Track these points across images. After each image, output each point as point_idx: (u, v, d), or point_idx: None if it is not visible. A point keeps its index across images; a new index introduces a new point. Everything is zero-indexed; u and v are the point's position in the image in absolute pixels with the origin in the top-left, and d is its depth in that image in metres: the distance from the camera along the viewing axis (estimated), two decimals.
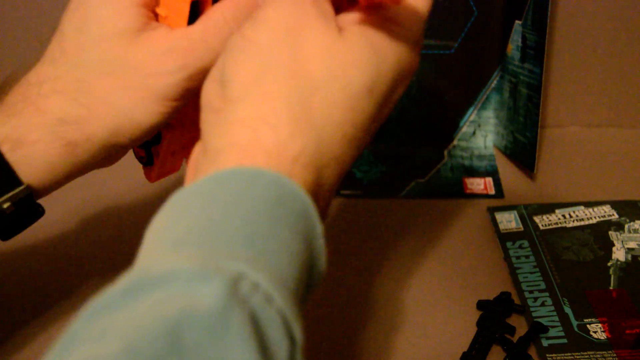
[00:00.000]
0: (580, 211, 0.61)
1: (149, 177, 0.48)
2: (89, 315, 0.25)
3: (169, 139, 0.46)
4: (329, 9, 0.34)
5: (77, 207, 0.61)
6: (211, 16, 0.40)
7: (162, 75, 0.39)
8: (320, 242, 0.31)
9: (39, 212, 0.43)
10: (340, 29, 0.33)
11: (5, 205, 0.40)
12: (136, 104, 0.40)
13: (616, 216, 0.60)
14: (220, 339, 0.24)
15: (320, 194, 0.32)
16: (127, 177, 0.50)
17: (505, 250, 0.57)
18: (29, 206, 0.41)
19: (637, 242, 0.57)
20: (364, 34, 0.33)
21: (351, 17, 0.34)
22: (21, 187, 0.40)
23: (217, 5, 0.40)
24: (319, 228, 0.31)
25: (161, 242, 0.29)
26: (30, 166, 0.40)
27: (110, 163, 0.45)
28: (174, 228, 0.29)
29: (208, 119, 0.33)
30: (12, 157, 0.40)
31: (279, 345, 0.26)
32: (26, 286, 0.55)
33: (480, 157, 0.69)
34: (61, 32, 0.41)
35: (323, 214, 0.33)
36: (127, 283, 0.26)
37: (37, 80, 0.41)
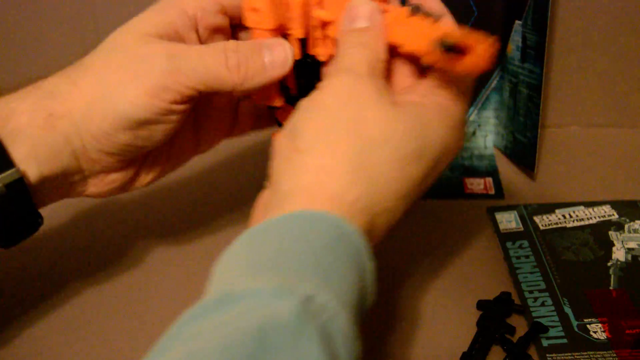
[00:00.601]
0: (580, 211, 0.61)
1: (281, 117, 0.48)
2: (183, 323, 0.30)
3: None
4: (383, 84, 0.40)
5: (76, 206, 0.61)
6: (216, 43, 0.44)
7: (150, 60, 0.42)
8: (371, 278, 0.36)
9: (37, 218, 0.44)
10: (394, 103, 0.39)
11: None
12: (117, 82, 0.42)
13: (616, 216, 0.60)
14: (299, 342, 0.28)
15: (372, 238, 0.38)
16: None
17: (505, 250, 0.57)
18: (22, 196, 0.42)
19: (637, 242, 0.57)
20: (415, 108, 0.39)
21: (405, 97, 0.41)
22: (12, 170, 0.41)
23: (220, 44, 0.44)
24: (370, 266, 0.36)
25: (239, 268, 0.34)
26: (17, 142, 0.41)
27: (94, 187, 0.46)
28: (249, 257, 0.34)
29: (279, 166, 0.39)
30: (2, 134, 0.41)
31: (343, 356, 0.30)
32: (25, 285, 0.55)
33: (480, 157, 0.69)
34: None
35: (374, 253, 0.37)
36: (213, 298, 0.31)
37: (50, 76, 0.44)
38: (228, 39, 0.47)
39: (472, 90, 0.43)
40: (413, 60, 0.42)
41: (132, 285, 0.55)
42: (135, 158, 0.46)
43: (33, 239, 0.45)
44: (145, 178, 0.49)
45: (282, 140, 0.39)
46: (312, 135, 0.38)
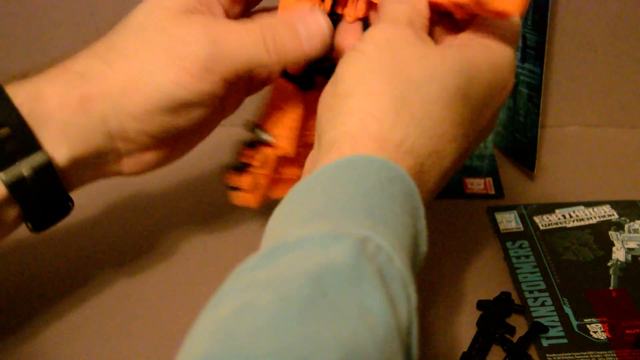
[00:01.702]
0: (580, 211, 0.61)
1: (237, 201, 0.49)
2: (236, 275, 0.29)
3: (265, 154, 0.48)
4: (424, 33, 0.40)
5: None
6: (251, 21, 0.43)
7: (189, 43, 0.42)
8: (423, 222, 0.35)
9: (67, 202, 0.44)
10: (436, 45, 0.39)
11: (25, 171, 0.41)
12: (155, 63, 0.42)
13: (616, 216, 0.60)
14: (358, 286, 0.27)
15: (422, 186, 0.37)
16: (140, 179, 0.50)
17: (505, 250, 0.57)
18: (51, 180, 0.42)
19: (637, 242, 0.57)
20: (459, 48, 0.39)
21: (448, 41, 0.41)
22: (40, 154, 0.41)
23: (258, 18, 0.44)
24: (422, 210, 0.35)
25: (291, 220, 0.33)
26: (46, 126, 0.41)
27: (129, 166, 0.46)
28: (301, 209, 0.33)
29: (322, 116, 0.38)
30: (30, 119, 0.41)
31: (401, 300, 0.29)
32: (36, 279, 0.55)
33: (480, 157, 0.69)
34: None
35: (425, 206, 0.36)
36: (267, 249, 0.30)
37: (75, 55, 0.43)
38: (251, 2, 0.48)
39: (519, 37, 0.42)
40: (452, 19, 0.43)
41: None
42: (172, 136, 0.46)
43: (47, 233, 0.45)
44: (178, 154, 0.49)
45: (325, 91, 0.39)
46: (352, 80, 0.37)
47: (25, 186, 0.41)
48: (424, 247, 0.36)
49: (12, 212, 0.42)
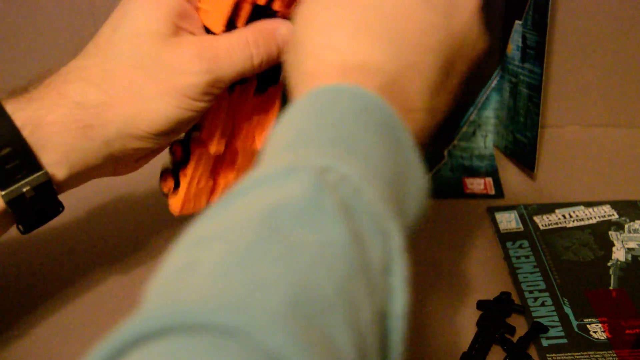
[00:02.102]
0: (580, 211, 0.61)
1: (174, 208, 0.48)
2: (189, 230, 0.27)
3: (198, 154, 0.47)
4: None
5: (81, 201, 0.61)
6: (237, 35, 0.43)
7: (187, 74, 0.42)
8: (412, 153, 0.32)
9: (59, 207, 0.45)
10: None
11: (25, 189, 0.42)
12: (157, 95, 0.42)
13: (616, 216, 0.60)
14: (314, 220, 0.25)
15: (403, 103, 0.33)
16: (130, 177, 0.50)
17: (505, 250, 0.57)
18: (48, 194, 0.43)
19: (637, 242, 0.57)
20: None
21: None
22: (41, 173, 0.42)
23: (243, 28, 0.44)
24: (407, 138, 0.32)
25: (259, 166, 0.30)
26: (47, 148, 0.42)
27: (125, 169, 0.47)
28: (268, 149, 0.31)
29: (290, 77, 0.36)
30: (31, 141, 0.41)
31: (372, 236, 0.27)
32: (29, 278, 0.55)
33: (480, 157, 0.69)
34: (99, 33, 0.44)
35: (416, 134, 0.33)
36: (222, 197, 0.28)
37: (65, 71, 0.43)
38: None
39: None
40: None
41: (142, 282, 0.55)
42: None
43: (41, 232, 0.45)
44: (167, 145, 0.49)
45: (289, 59, 0.37)
46: (304, 25, 0.36)
47: (24, 202, 0.42)
48: (419, 180, 0.32)
49: (7, 219, 0.43)
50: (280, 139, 0.31)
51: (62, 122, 0.42)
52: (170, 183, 0.48)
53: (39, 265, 0.57)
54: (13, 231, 0.45)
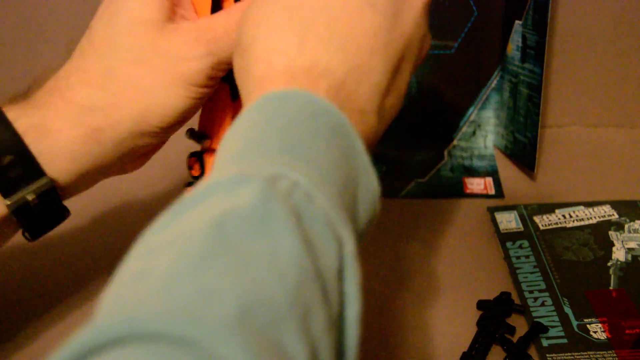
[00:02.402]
0: (580, 211, 0.61)
1: None
2: (142, 239, 0.27)
3: (212, 164, 0.47)
4: None
5: (87, 204, 0.61)
6: (231, 13, 0.42)
7: (189, 60, 0.41)
8: (363, 158, 0.32)
9: (65, 212, 0.44)
10: None
11: (30, 197, 0.41)
12: (163, 87, 0.42)
13: (616, 216, 0.60)
14: (264, 228, 0.25)
15: (352, 106, 0.34)
16: (135, 177, 0.50)
17: (505, 250, 0.57)
18: (53, 201, 0.42)
19: (637, 242, 0.57)
20: None
21: None
22: (45, 179, 0.41)
23: (237, 5, 0.43)
24: (357, 143, 0.32)
25: (209, 176, 0.30)
26: (54, 156, 0.41)
27: (132, 166, 0.47)
28: (218, 159, 0.31)
29: (239, 81, 0.36)
30: (35, 148, 0.41)
31: (325, 242, 0.27)
32: (36, 283, 0.55)
33: (480, 157, 0.69)
34: (90, 28, 0.43)
35: (365, 138, 0.33)
36: (173, 206, 0.27)
37: (65, 74, 0.42)
38: None
39: None
40: None
41: None
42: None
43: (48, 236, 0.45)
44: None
45: (235, 54, 0.37)
46: (252, 28, 0.35)
47: (29, 209, 0.42)
48: (371, 185, 0.32)
49: (12, 227, 0.43)
50: (230, 147, 0.31)
51: (70, 128, 0.41)
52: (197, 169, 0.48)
53: (46, 271, 0.57)
54: (19, 237, 0.45)
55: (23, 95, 0.43)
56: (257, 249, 0.25)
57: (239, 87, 0.36)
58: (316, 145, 0.30)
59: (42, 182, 0.41)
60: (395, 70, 0.36)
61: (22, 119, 0.41)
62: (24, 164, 0.41)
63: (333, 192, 0.29)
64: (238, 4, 0.43)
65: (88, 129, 0.41)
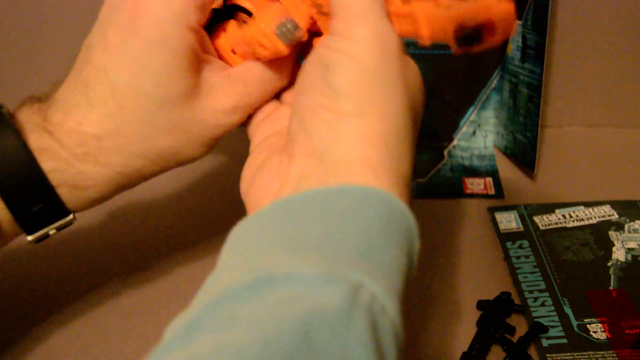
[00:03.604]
0: (580, 211, 0.61)
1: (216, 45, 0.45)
2: (214, 304, 0.26)
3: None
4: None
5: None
6: (267, 63, 0.42)
7: (227, 126, 0.42)
8: (417, 255, 0.32)
9: (72, 222, 0.44)
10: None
11: (52, 232, 0.42)
12: (196, 148, 0.42)
13: (616, 216, 0.60)
14: (346, 338, 0.25)
15: (407, 198, 0.34)
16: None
17: (505, 250, 0.57)
18: (69, 224, 0.43)
19: (637, 242, 0.57)
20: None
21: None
22: (69, 218, 0.42)
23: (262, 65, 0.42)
24: (417, 243, 0.32)
25: (278, 244, 0.30)
26: (81, 202, 0.42)
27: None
28: (290, 233, 0.30)
29: (317, 129, 0.34)
30: (66, 198, 0.41)
31: (390, 352, 0.27)
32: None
33: (480, 157, 0.69)
34: (111, 83, 0.40)
35: None
36: (250, 278, 0.27)
37: (94, 133, 0.40)
38: None
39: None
40: None
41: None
42: None
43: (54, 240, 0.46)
44: None
45: (317, 98, 0.34)
46: (357, 97, 0.33)
47: (47, 237, 0.43)
48: (413, 276, 0.33)
49: (15, 231, 0.43)
50: (309, 223, 0.30)
51: (102, 185, 0.42)
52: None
53: (49, 273, 0.56)
54: (21, 239, 0.44)
55: (39, 117, 0.41)
56: (335, 357, 0.25)
57: (318, 136, 0.34)
58: (391, 251, 0.30)
59: (66, 220, 0.42)
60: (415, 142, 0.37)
61: (56, 174, 0.40)
62: (52, 209, 0.41)
63: (399, 299, 0.29)
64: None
65: (120, 185, 0.42)
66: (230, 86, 0.41)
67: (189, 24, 0.39)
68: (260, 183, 0.36)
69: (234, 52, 0.43)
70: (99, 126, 0.40)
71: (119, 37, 0.39)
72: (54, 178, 0.40)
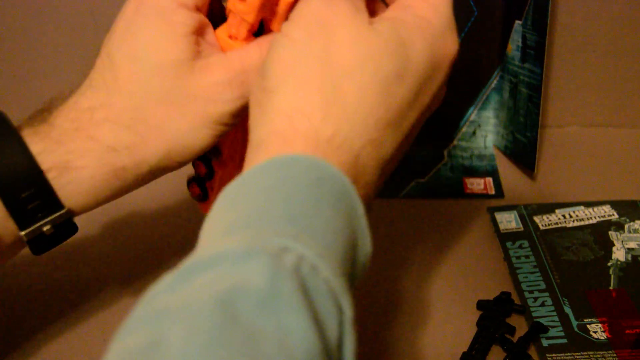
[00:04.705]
0: (580, 211, 0.61)
1: (204, 210, 0.49)
2: (150, 298, 0.27)
3: (220, 175, 0.48)
4: (360, 3, 0.36)
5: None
6: (263, 48, 0.41)
7: (221, 102, 0.41)
8: (363, 222, 0.32)
9: (74, 231, 0.44)
10: (370, 22, 0.36)
11: (46, 228, 0.41)
12: (191, 129, 0.41)
13: (616, 216, 0.60)
14: (273, 308, 0.25)
15: (360, 179, 0.34)
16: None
17: (505, 250, 0.57)
18: (67, 228, 0.43)
19: (637, 242, 0.57)
20: (392, 25, 0.36)
21: (382, 14, 0.38)
22: (62, 211, 0.41)
23: (268, 38, 0.41)
24: (360, 208, 0.32)
25: (213, 232, 0.31)
26: (74, 190, 0.41)
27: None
28: (223, 218, 0.31)
29: (252, 112, 0.36)
30: (57, 184, 0.41)
31: (329, 314, 0.27)
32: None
33: (480, 157, 0.69)
34: (110, 59, 0.41)
35: (366, 201, 0.34)
36: (180, 269, 0.27)
37: (89, 106, 0.41)
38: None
39: None
40: None
41: None
42: None
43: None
44: None
45: (254, 83, 0.36)
46: (279, 72, 0.34)
47: (44, 238, 0.42)
48: (366, 247, 0.33)
49: (20, 247, 0.43)
50: (235, 208, 0.31)
51: (94, 166, 0.41)
52: (197, 190, 0.49)
53: (52, 280, 0.56)
54: (25, 251, 0.44)
55: (40, 117, 0.42)
56: (265, 328, 0.25)
57: (251, 120, 0.35)
58: (322, 214, 0.30)
59: (59, 213, 0.41)
60: (405, 139, 0.37)
61: (45, 155, 0.40)
62: (43, 197, 0.41)
63: (336, 261, 0.29)
64: (270, 36, 0.41)
65: (111, 168, 0.41)
66: (227, 61, 0.41)
67: (184, 2, 0.41)
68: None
69: (230, 37, 0.43)
70: (92, 99, 0.41)
71: (124, 25, 0.41)
72: (43, 161, 0.40)
